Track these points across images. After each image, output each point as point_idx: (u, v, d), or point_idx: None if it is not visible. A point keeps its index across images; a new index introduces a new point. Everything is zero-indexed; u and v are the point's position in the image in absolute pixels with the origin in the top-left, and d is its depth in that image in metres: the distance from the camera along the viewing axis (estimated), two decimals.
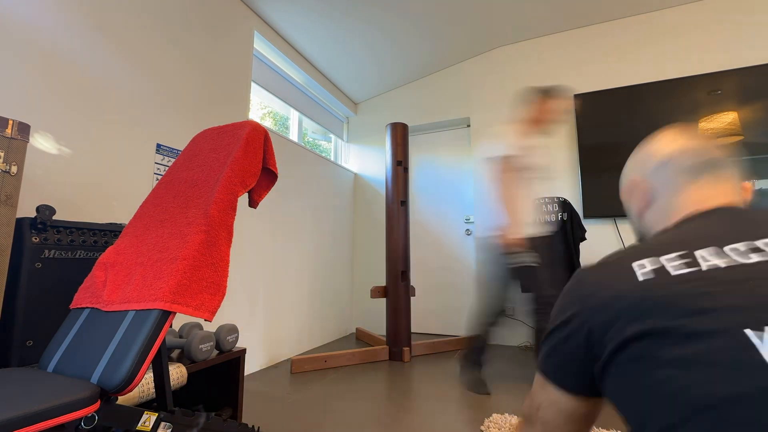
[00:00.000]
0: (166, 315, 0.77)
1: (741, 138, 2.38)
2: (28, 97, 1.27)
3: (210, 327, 1.84)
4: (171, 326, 1.33)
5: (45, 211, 1.03)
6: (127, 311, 0.80)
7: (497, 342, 2.95)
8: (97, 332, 0.79)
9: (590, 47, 2.91)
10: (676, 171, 0.54)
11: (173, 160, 1.79)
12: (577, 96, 2.83)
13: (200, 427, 0.89)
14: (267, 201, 2.42)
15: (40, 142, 1.29)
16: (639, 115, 2.64)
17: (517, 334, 2.90)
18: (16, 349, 0.97)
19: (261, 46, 2.58)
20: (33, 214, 1.22)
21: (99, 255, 1.14)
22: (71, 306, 0.89)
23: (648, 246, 0.44)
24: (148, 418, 0.78)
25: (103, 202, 1.48)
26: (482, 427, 1.44)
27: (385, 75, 3.40)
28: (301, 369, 2.21)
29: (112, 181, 1.52)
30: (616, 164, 2.66)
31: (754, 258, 0.37)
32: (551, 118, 1.89)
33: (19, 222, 1.01)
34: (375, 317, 3.44)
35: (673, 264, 0.39)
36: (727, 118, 2.42)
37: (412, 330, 3.33)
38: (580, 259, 2.40)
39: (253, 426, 1.16)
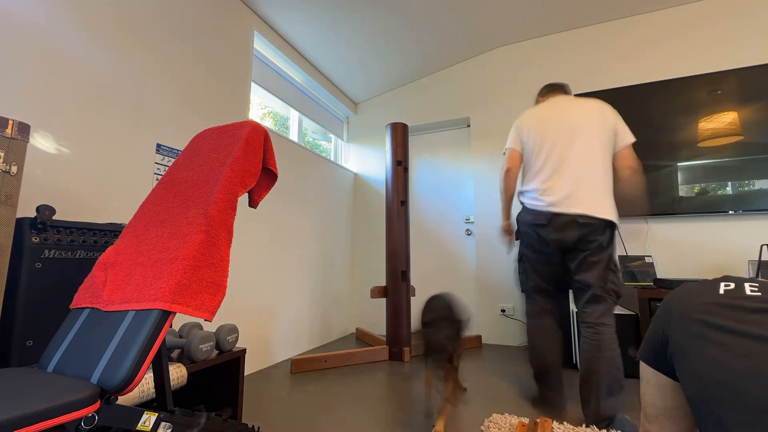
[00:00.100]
0: (166, 315, 0.77)
1: (741, 138, 2.38)
2: (28, 97, 1.27)
3: (210, 327, 1.84)
4: (171, 326, 1.33)
5: (45, 211, 1.03)
6: (127, 311, 0.80)
7: (497, 342, 2.96)
8: (97, 332, 0.79)
9: (590, 47, 2.91)
10: None
11: (173, 160, 1.79)
12: (577, 96, 2.83)
13: (200, 427, 0.89)
14: (267, 201, 2.42)
15: (40, 141, 1.29)
16: (639, 115, 2.63)
17: (517, 334, 2.90)
18: (16, 349, 0.97)
19: (261, 46, 2.58)
20: (33, 214, 1.22)
21: (99, 255, 1.14)
22: (71, 306, 0.89)
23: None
24: (148, 418, 0.78)
25: (103, 202, 1.48)
26: (482, 427, 1.44)
27: (385, 75, 3.40)
28: (301, 369, 2.21)
29: (112, 181, 1.52)
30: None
31: None
32: None
33: (19, 222, 1.01)
34: (375, 317, 3.44)
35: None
36: (727, 118, 2.42)
37: (412, 330, 3.33)
38: None
39: (253, 426, 1.16)
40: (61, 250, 1.07)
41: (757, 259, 2.32)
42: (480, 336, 2.95)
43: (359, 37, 2.81)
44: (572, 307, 2.35)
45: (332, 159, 3.63)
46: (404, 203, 2.64)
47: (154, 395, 1.03)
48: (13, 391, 0.64)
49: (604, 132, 1.58)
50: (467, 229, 3.28)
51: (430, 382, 1.70)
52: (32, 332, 1.00)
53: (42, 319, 1.02)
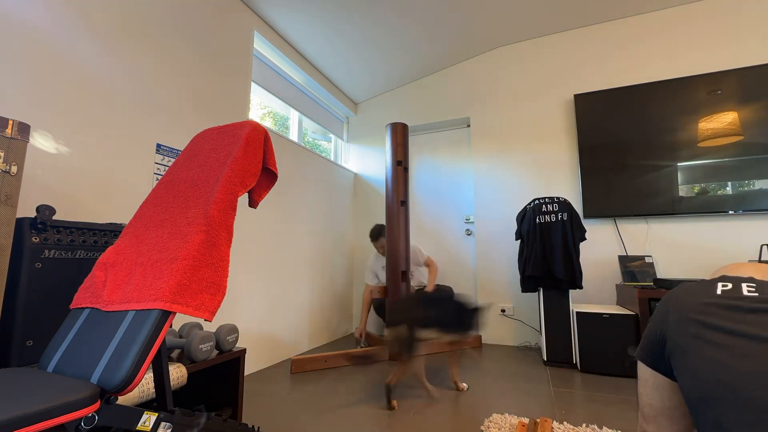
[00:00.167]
0: (166, 315, 0.77)
1: (741, 138, 2.38)
2: (28, 97, 1.27)
3: (210, 327, 1.84)
4: (171, 326, 1.33)
5: (45, 211, 1.04)
6: (127, 311, 0.80)
7: (497, 342, 2.96)
8: (97, 332, 0.79)
9: (590, 47, 2.91)
10: None
11: (173, 160, 1.79)
12: (577, 96, 2.83)
13: (200, 427, 0.89)
14: (267, 201, 2.42)
15: (40, 141, 1.29)
16: (639, 115, 2.64)
17: (516, 334, 2.90)
18: (16, 349, 0.97)
19: (261, 46, 2.57)
20: (33, 214, 1.22)
21: (99, 255, 1.14)
22: (71, 306, 0.89)
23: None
24: (148, 418, 0.78)
25: (103, 202, 1.48)
26: (482, 427, 1.44)
27: (386, 75, 3.40)
28: (301, 369, 2.21)
29: (112, 181, 1.52)
30: (616, 164, 2.66)
31: None
32: None
33: (19, 222, 1.01)
34: (375, 317, 3.44)
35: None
36: (727, 118, 2.42)
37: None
38: (580, 260, 2.40)
39: (253, 426, 1.16)
40: (61, 250, 1.07)
41: (757, 259, 2.32)
42: (480, 336, 2.95)
43: (359, 37, 2.81)
44: (572, 307, 2.35)
45: (332, 159, 3.63)
46: (404, 203, 2.64)
47: (154, 395, 1.03)
48: (13, 391, 0.64)
49: None
50: (467, 229, 3.28)
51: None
52: (32, 332, 1.00)
53: (42, 319, 1.02)
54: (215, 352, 1.33)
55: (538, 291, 2.46)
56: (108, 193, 1.50)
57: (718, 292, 0.55)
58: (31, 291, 1.00)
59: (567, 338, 2.31)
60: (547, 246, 2.39)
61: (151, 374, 1.04)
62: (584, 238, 2.43)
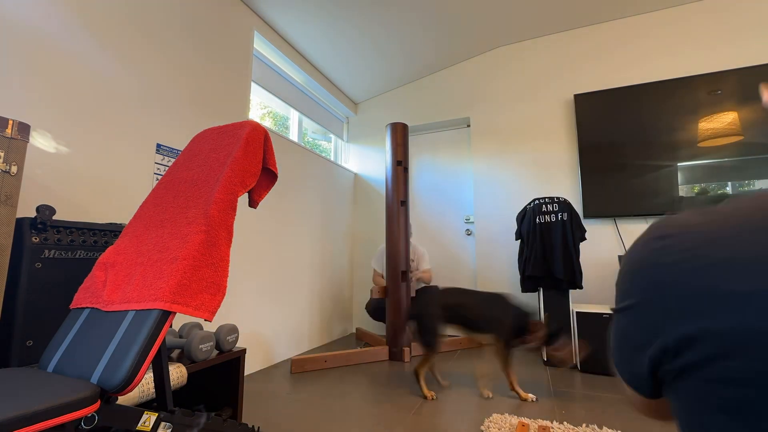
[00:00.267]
0: (166, 315, 0.77)
1: (741, 138, 2.38)
2: (28, 97, 1.27)
3: (210, 327, 1.84)
4: (171, 326, 1.33)
5: (45, 211, 1.04)
6: (127, 311, 0.80)
7: None
8: (97, 332, 0.79)
9: (590, 47, 2.91)
10: None
11: (173, 160, 1.79)
12: (577, 96, 2.83)
13: (200, 427, 0.89)
14: (267, 201, 2.42)
15: (39, 141, 1.29)
16: (639, 115, 2.64)
17: None
18: (16, 349, 0.97)
19: (261, 46, 2.57)
20: (33, 214, 1.22)
21: (99, 255, 1.14)
22: (71, 306, 0.89)
23: None
24: (148, 418, 0.78)
25: (102, 202, 1.48)
26: (482, 427, 1.44)
27: (386, 75, 3.40)
28: (301, 369, 2.21)
29: (112, 181, 1.52)
30: (616, 164, 2.66)
31: None
32: None
33: (19, 222, 1.01)
34: (372, 320, 3.44)
35: None
36: (727, 118, 2.42)
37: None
38: (580, 260, 2.40)
39: (253, 426, 1.16)
40: (61, 250, 1.07)
41: None
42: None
43: (359, 37, 2.81)
44: (572, 307, 2.35)
45: (332, 159, 3.63)
46: (404, 203, 2.64)
47: (154, 395, 1.03)
48: (13, 391, 0.64)
49: None
50: (467, 229, 3.28)
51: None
52: (32, 332, 1.00)
53: (42, 319, 1.02)
54: (215, 352, 1.33)
55: (538, 291, 2.46)
56: (108, 193, 1.50)
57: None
58: (31, 291, 1.00)
59: (567, 338, 2.30)
60: (547, 246, 2.39)
61: (151, 374, 1.04)
62: (584, 238, 2.43)
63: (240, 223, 2.18)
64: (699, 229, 0.29)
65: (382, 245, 3.01)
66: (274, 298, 2.44)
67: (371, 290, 2.62)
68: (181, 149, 1.74)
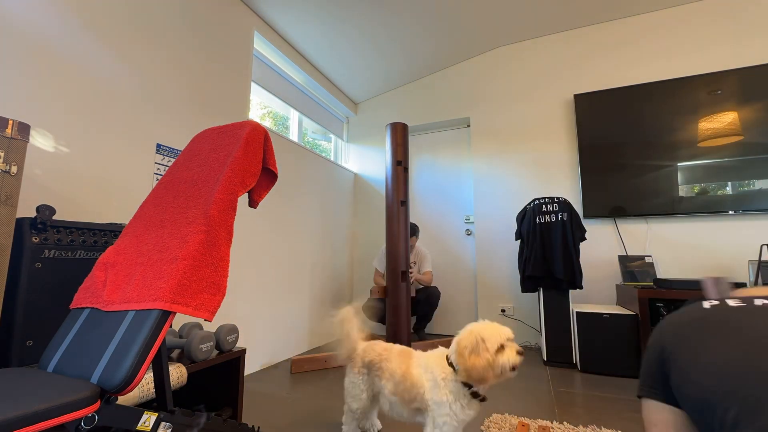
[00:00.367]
0: (166, 315, 0.77)
1: (741, 138, 2.38)
2: (28, 97, 1.27)
3: (210, 327, 1.84)
4: (171, 326, 1.33)
5: (45, 211, 1.04)
6: (127, 311, 0.80)
7: None
8: (97, 332, 0.79)
9: (590, 47, 2.91)
10: None
11: (173, 160, 1.79)
12: (577, 96, 2.83)
13: (200, 427, 0.89)
14: (267, 201, 2.42)
15: (39, 141, 1.29)
16: (639, 115, 2.64)
17: (516, 334, 2.90)
18: (16, 349, 0.97)
19: (261, 46, 2.57)
20: (33, 214, 1.22)
21: (99, 255, 1.14)
22: (71, 306, 0.89)
23: None
24: (148, 418, 0.78)
25: (103, 202, 1.48)
26: (482, 427, 1.44)
27: (386, 75, 3.40)
28: (301, 369, 2.21)
29: (112, 181, 1.52)
30: (616, 164, 2.66)
31: None
32: None
33: (19, 222, 1.01)
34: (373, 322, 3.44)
35: None
36: (727, 118, 2.42)
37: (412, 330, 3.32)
38: (580, 260, 2.40)
39: (253, 426, 1.16)
40: (61, 250, 1.07)
41: (757, 259, 2.32)
42: None
43: (359, 37, 2.81)
44: (572, 307, 2.35)
45: (332, 159, 3.63)
46: (404, 203, 2.64)
47: (154, 395, 1.03)
48: (13, 391, 0.64)
49: None
50: (467, 229, 3.28)
51: None
52: (32, 332, 1.00)
53: (42, 319, 1.02)
54: (215, 352, 1.33)
55: (538, 291, 2.46)
56: (108, 193, 1.50)
57: (706, 306, 0.61)
58: (31, 291, 1.00)
59: (567, 338, 2.31)
60: (547, 246, 2.39)
61: (151, 374, 1.04)
62: (584, 238, 2.43)
63: (240, 223, 2.18)
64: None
65: (384, 245, 3.00)
66: (274, 298, 2.44)
67: (371, 290, 2.62)
68: (181, 149, 1.74)
